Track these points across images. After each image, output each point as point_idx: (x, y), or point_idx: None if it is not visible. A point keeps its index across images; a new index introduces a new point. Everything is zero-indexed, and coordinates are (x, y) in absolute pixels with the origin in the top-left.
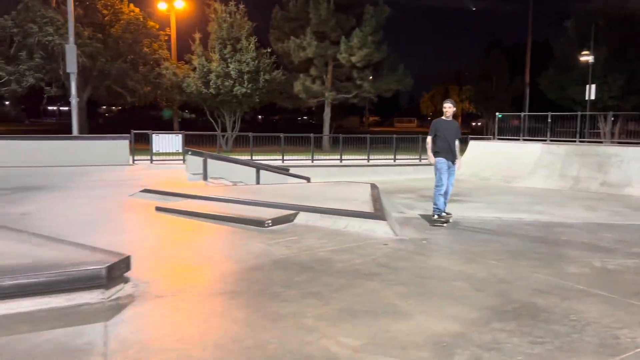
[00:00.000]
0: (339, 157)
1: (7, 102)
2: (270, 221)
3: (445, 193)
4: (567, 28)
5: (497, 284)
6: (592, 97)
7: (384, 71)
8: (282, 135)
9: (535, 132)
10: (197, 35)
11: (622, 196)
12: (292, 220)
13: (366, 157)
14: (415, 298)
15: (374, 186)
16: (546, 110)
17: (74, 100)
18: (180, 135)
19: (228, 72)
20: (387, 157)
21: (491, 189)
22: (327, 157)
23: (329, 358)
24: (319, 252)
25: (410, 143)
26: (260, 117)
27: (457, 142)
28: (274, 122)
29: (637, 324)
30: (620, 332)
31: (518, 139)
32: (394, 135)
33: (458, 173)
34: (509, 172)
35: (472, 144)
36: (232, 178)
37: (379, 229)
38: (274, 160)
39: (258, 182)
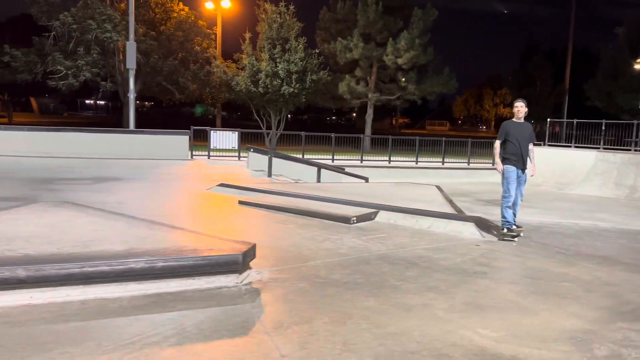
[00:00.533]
0: (386, 158)
1: (46, 95)
2: (355, 218)
3: (514, 204)
4: (617, 35)
5: (604, 286)
6: None
7: (429, 74)
8: (332, 135)
9: (582, 139)
10: (248, 35)
11: None
12: (373, 219)
13: (414, 159)
14: (532, 296)
15: (440, 188)
16: (589, 117)
17: (131, 95)
18: (236, 133)
19: (277, 72)
20: (433, 159)
21: (545, 195)
22: (375, 158)
23: (476, 346)
24: (416, 249)
25: (459, 147)
26: (289, 116)
27: (530, 147)
28: (302, 121)
29: None
30: None
31: (570, 146)
32: (443, 138)
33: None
34: (562, 179)
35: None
36: (291, 175)
37: (465, 230)
38: (324, 159)
39: (319, 181)
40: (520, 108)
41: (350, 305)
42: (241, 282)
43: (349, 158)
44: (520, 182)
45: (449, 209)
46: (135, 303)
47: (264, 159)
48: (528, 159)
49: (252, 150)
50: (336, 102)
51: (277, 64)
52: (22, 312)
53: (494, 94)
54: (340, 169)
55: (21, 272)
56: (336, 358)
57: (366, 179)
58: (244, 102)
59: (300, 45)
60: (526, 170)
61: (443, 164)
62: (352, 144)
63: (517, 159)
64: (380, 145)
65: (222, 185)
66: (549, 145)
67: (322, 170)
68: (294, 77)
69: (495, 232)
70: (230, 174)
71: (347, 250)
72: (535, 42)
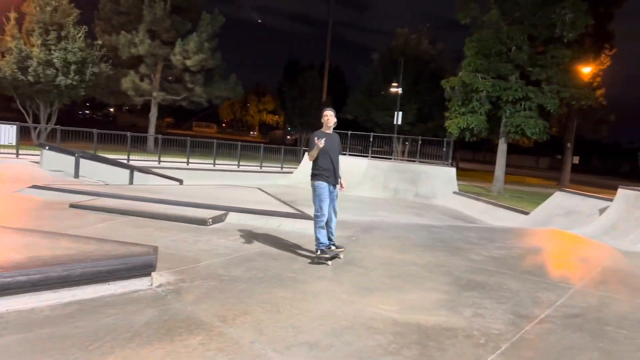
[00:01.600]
0: (182, 159)
1: None
2: (211, 220)
3: (328, 223)
4: (372, 60)
5: (437, 267)
6: (399, 122)
7: (215, 78)
8: (129, 134)
9: (354, 149)
10: (12, 15)
11: (431, 205)
12: (224, 220)
13: (212, 162)
14: (396, 279)
15: (263, 190)
16: (349, 129)
17: None
18: (15, 126)
19: (51, 61)
20: (230, 162)
21: None
22: (173, 159)
23: (387, 318)
24: (284, 245)
25: (229, 149)
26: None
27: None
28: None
29: (543, 290)
30: (537, 294)
31: (345, 154)
32: (239, 143)
33: (291, 182)
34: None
35: (306, 156)
36: (99, 177)
37: (310, 229)
38: (121, 159)
39: (131, 183)
40: (330, 117)
41: (269, 296)
42: (153, 285)
43: (145, 159)
44: (332, 198)
45: (289, 209)
46: (60, 312)
47: (63, 158)
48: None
49: (47, 148)
50: (117, 98)
51: (52, 52)
52: None
53: (258, 101)
54: (150, 171)
55: None
56: (295, 339)
57: (181, 181)
58: (5, 90)
59: (80, 34)
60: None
61: (239, 167)
62: (137, 143)
63: (329, 173)
64: (167, 145)
65: (36, 187)
66: None
67: (134, 172)
68: (72, 67)
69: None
70: (22, 175)
71: (224, 250)
72: (296, 57)
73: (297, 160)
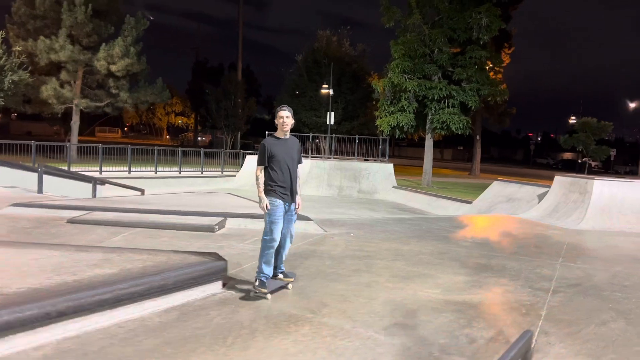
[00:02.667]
0: (124, 168)
1: None
2: (216, 226)
3: (279, 250)
4: (296, 61)
5: (442, 254)
6: (332, 122)
7: (140, 82)
8: (68, 144)
9: None
10: None
11: (377, 200)
12: (224, 226)
13: (153, 169)
14: (417, 266)
15: (235, 195)
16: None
17: None
18: None
19: None
20: (171, 168)
21: None
22: (111, 168)
23: (437, 299)
24: (300, 245)
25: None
26: None
27: (298, 170)
28: None
29: (537, 267)
30: (536, 270)
31: None
32: (156, 147)
33: (236, 185)
34: None
35: (248, 158)
36: (59, 192)
37: (310, 228)
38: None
39: (94, 195)
40: (287, 119)
41: (330, 289)
42: (224, 288)
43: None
44: (289, 219)
45: None
46: (168, 317)
47: (15, 173)
48: (297, 186)
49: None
50: (33, 107)
51: None
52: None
53: (165, 103)
54: (110, 182)
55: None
56: (384, 322)
57: (142, 191)
58: None
59: None
60: (294, 202)
61: (180, 173)
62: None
63: (284, 189)
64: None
65: (16, 205)
66: None
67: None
68: None
69: (325, 229)
70: None
71: (254, 252)
72: (204, 58)
73: (218, 163)
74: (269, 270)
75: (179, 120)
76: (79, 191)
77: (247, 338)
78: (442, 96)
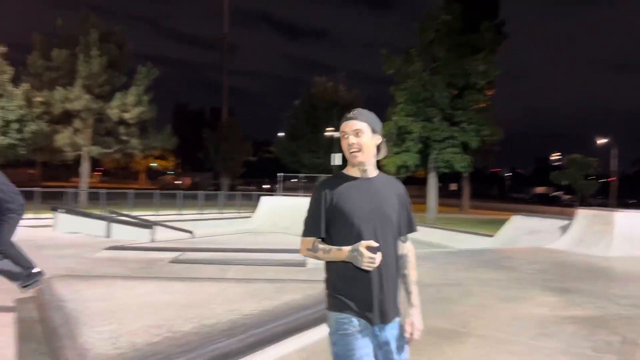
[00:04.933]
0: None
1: None
2: (304, 261)
3: None
4: (295, 105)
5: (518, 280)
6: (339, 162)
7: (149, 129)
8: (96, 191)
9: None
10: None
11: None
12: (306, 263)
13: (175, 212)
14: (510, 290)
15: (286, 233)
16: (275, 170)
17: None
18: None
19: None
20: (193, 211)
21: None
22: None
23: (547, 315)
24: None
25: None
26: None
27: (405, 248)
28: None
29: (607, 289)
30: (609, 291)
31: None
32: (199, 193)
33: (253, 226)
34: (282, 223)
35: (263, 200)
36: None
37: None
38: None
39: (153, 239)
40: (358, 137)
41: (456, 309)
42: None
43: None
44: (387, 350)
45: None
46: None
47: (77, 219)
48: (398, 288)
49: (63, 211)
50: (44, 155)
51: None
52: None
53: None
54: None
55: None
56: (524, 332)
57: (191, 232)
58: None
59: (19, 92)
60: (396, 322)
61: (202, 214)
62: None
63: (364, 290)
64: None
65: (111, 248)
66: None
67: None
68: (15, 126)
69: None
70: (58, 240)
71: None
72: (187, 101)
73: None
74: None
75: (155, 164)
76: (136, 234)
77: (427, 350)
78: (444, 137)
